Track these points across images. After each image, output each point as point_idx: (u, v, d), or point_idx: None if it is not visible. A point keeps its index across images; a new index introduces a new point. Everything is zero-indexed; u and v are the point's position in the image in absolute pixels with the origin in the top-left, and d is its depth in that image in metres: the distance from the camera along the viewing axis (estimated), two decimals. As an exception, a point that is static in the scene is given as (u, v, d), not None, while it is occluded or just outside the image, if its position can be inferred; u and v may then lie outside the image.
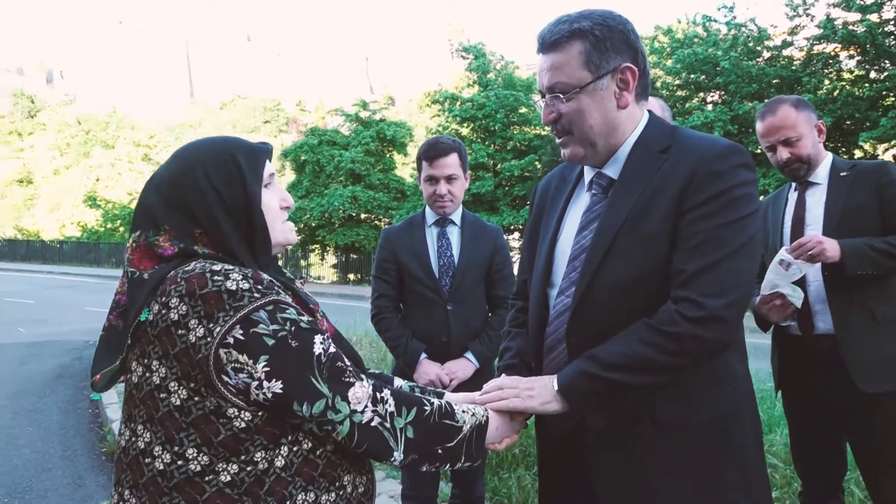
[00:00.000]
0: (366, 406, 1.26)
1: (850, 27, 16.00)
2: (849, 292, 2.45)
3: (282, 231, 1.41)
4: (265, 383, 1.20)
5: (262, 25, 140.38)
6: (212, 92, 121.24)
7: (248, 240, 1.36)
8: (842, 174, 2.61)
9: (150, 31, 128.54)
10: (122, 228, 39.95)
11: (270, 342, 1.20)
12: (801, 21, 17.38)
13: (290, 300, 1.29)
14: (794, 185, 2.74)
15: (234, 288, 1.21)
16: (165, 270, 1.28)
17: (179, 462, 1.23)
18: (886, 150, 16.87)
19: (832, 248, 2.36)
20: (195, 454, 1.23)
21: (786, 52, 18.02)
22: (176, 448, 1.23)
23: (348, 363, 1.30)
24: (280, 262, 1.53)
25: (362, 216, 27.27)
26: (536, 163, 23.12)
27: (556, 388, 1.48)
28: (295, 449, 1.27)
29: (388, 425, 1.27)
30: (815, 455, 2.71)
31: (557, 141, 1.62)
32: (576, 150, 1.59)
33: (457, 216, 3.02)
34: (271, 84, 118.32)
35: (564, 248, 1.64)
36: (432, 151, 2.89)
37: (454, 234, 3.00)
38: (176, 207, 1.32)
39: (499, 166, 24.12)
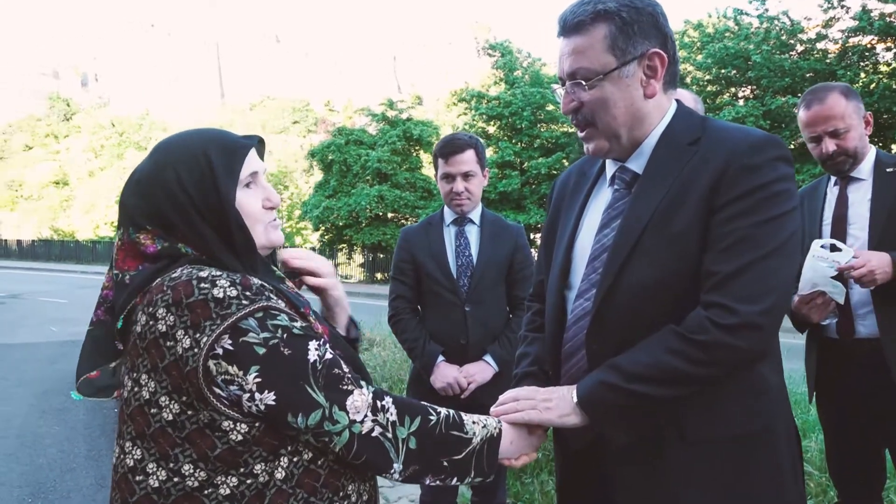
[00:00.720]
0: (365, 415, 1.19)
1: (888, 19, 15.59)
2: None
3: (265, 233, 1.33)
4: (257, 395, 1.14)
5: (291, 26, 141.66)
6: (241, 93, 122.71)
7: (228, 242, 1.28)
8: (888, 170, 2.43)
9: (181, 33, 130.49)
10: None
11: (261, 351, 1.15)
12: (835, 13, 17.01)
13: (282, 305, 1.22)
14: (833, 179, 2.57)
15: (220, 295, 1.15)
16: (147, 274, 1.24)
17: (176, 479, 1.18)
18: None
19: (882, 269, 2.20)
20: (192, 470, 1.18)
21: (820, 45, 17.63)
22: (171, 465, 1.18)
23: (346, 369, 1.23)
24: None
25: (389, 215, 27.34)
26: (564, 160, 22.94)
27: (575, 399, 1.39)
28: (295, 460, 1.21)
29: (389, 435, 1.21)
30: (853, 462, 2.57)
31: (580, 134, 1.51)
32: (600, 143, 1.48)
33: (476, 215, 2.94)
34: (300, 84, 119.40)
35: (584, 248, 1.53)
36: (448, 148, 2.83)
37: (473, 233, 2.93)
38: (152, 207, 1.26)
39: (525, 164, 23.98)
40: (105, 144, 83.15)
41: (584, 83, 1.42)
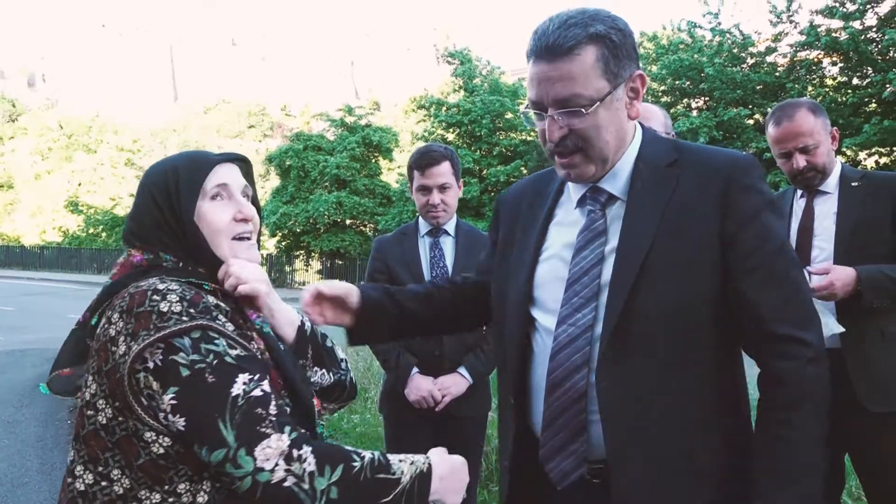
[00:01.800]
0: (276, 464, 1.12)
1: (834, 34, 16.14)
2: (858, 308, 2.32)
3: (230, 247, 1.34)
4: (170, 416, 1.14)
5: (247, 29, 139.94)
6: (196, 96, 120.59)
7: (193, 254, 1.33)
8: (853, 184, 2.49)
9: (133, 34, 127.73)
10: (104, 234, 39.49)
11: (185, 373, 1.14)
12: (784, 28, 17.54)
13: (229, 328, 1.21)
14: (799, 191, 2.63)
15: (164, 309, 1.16)
16: (124, 278, 1.28)
17: (104, 483, 1.18)
18: (868, 156, 17.03)
19: (843, 282, 2.26)
20: (119, 476, 1.18)
21: (769, 59, 18.15)
22: (100, 468, 1.19)
23: (273, 411, 1.16)
24: (263, 269, 1.46)
25: (347, 222, 27.14)
26: (522, 168, 23.11)
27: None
28: (218, 485, 1.19)
29: (305, 486, 1.13)
30: None
31: (561, 160, 1.43)
32: (586, 169, 1.42)
33: (451, 226, 2.94)
34: (256, 88, 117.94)
35: (552, 270, 1.48)
36: (424, 160, 2.82)
37: (448, 244, 2.93)
38: (138, 227, 1.35)
39: (485, 172, 24.09)
40: (52, 147, 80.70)
41: (582, 111, 1.35)
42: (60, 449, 5.67)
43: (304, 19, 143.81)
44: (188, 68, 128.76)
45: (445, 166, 2.81)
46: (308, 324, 1.52)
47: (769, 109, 16.66)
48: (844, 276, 2.27)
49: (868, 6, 15.91)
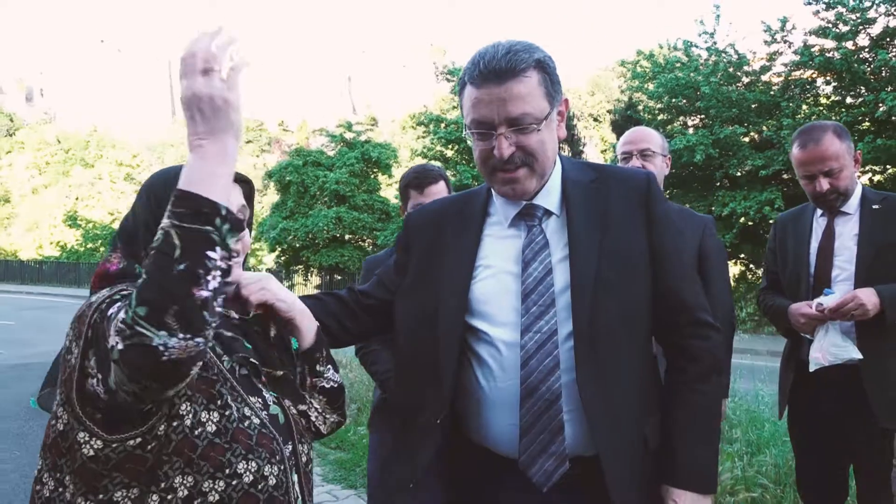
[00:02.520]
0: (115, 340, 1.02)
1: (827, 54, 16.38)
2: (879, 326, 2.36)
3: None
4: (99, 376, 1.12)
5: (245, 45, 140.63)
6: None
7: None
8: (874, 206, 2.51)
9: (131, 50, 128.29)
10: (102, 248, 39.50)
11: (90, 334, 1.14)
12: (778, 47, 17.77)
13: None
14: (819, 210, 2.65)
15: (104, 308, 1.16)
16: (93, 296, 1.25)
17: (60, 489, 1.20)
18: (862, 174, 17.22)
19: (871, 303, 2.32)
20: (69, 481, 1.19)
21: (764, 78, 18.37)
22: (57, 474, 1.21)
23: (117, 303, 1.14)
24: None
25: (346, 237, 27.28)
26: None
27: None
28: (170, 497, 1.16)
29: (121, 326, 1.02)
30: (822, 482, 2.66)
31: (505, 176, 1.52)
32: (529, 184, 1.53)
33: None
34: (253, 104, 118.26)
35: (500, 283, 1.55)
36: (422, 180, 2.82)
37: None
38: (127, 223, 1.37)
39: (483, 188, 24.30)
40: (50, 161, 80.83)
41: (536, 127, 1.46)
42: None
43: (302, 35, 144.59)
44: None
45: (442, 185, 2.83)
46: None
47: (764, 127, 16.83)
48: (868, 295, 2.34)
49: (860, 27, 16.17)
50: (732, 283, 14.70)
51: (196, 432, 1.18)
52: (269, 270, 29.33)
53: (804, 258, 2.62)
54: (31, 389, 8.41)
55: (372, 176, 28.32)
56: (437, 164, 26.53)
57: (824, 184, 2.51)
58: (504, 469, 1.53)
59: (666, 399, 1.58)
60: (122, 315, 1.01)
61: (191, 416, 1.19)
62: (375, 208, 27.17)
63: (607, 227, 1.53)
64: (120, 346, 0.99)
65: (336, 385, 1.54)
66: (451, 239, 1.66)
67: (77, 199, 52.08)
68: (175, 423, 1.17)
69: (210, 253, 1.01)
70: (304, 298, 1.62)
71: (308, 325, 1.50)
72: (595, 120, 56.93)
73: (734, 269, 19.71)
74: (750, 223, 17.85)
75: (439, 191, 2.80)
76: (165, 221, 1.02)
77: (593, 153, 36.88)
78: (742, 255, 19.22)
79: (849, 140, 2.55)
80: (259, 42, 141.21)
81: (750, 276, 19.95)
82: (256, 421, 1.28)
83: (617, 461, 1.45)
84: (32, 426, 6.76)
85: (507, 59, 1.45)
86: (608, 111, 53.04)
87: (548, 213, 1.59)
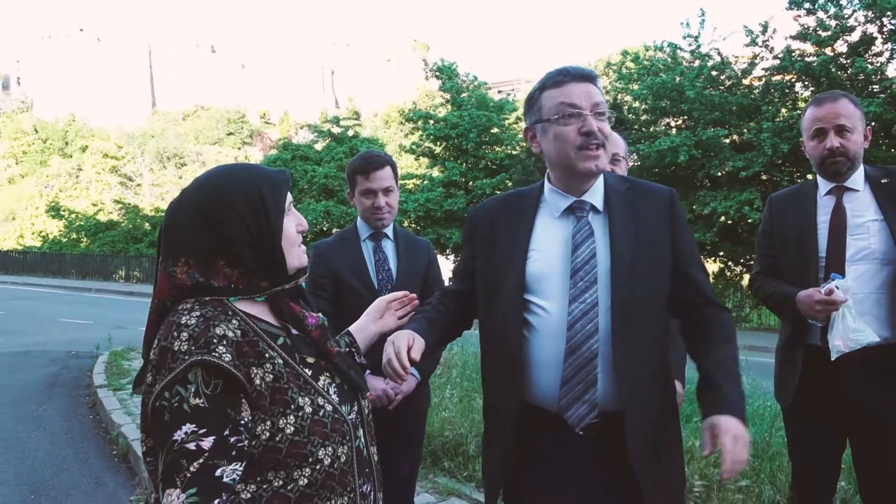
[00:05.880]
0: None
1: (807, 59, 16.90)
2: None
3: (297, 255, 1.49)
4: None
5: (227, 37, 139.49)
6: (174, 102, 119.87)
7: (267, 267, 1.43)
8: (883, 181, 2.51)
9: (112, 39, 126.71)
10: (85, 239, 39.31)
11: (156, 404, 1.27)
12: (759, 52, 18.26)
13: (225, 360, 1.28)
14: (822, 188, 2.60)
15: (176, 348, 1.27)
16: (173, 303, 1.38)
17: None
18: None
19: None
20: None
21: (745, 81, 18.86)
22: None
23: (194, 469, 1.22)
24: None
25: (334, 230, 27.48)
26: (508, 181, 23.67)
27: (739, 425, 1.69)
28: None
29: None
30: (819, 475, 2.63)
31: (587, 153, 1.85)
32: (604, 161, 1.88)
33: (389, 230, 3.01)
34: (235, 96, 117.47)
35: (550, 264, 1.87)
36: (368, 165, 2.89)
37: (389, 247, 2.99)
38: (202, 237, 1.38)
39: (471, 184, 24.62)
40: (27, 150, 79.73)
41: (610, 114, 1.89)
42: (89, 440, 5.98)
43: (285, 28, 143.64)
44: (167, 74, 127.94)
45: (388, 170, 2.91)
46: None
47: (745, 130, 17.20)
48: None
49: (840, 34, 16.73)
50: (712, 280, 15.20)
51: (277, 439, 1.33)
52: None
53: (812, 239, 2.54)
54: (36, 375, 8.62)
55: (359, 170, 28.52)
56: (425, 160, 26.90)
57: (835, 140, 2.48)
58: (543, 423, 1.84)
59: (700, 353, 1.92)
60: None
61: (268, 429, 1.32)
62: (363, 202, 27.39)
63: (639, 225, 1.87)
64: None
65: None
66: (508, 228, 1.98)
67: (60, 190, 51.54)
68: (254, 443, 1.32)
69: None
70: (419, 326, 1.94)
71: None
72: (578, 118, 57.49)
73: (713, 267, 20.26)
74: (729, 222, 18.37)
75: (386, 175, 2.89)
76: None
77: (577, 151, 37.10)
78: (721, 253, 19.78)
79: (862, 112, 2.55)
80: (241, 32, 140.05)
81: (728, 274, 20.53)
82: (329, 408, 1.43)
83: (637, 412, 1.77)
84: (47, 409, 7.00)
85: (583, 68, 1.91)
86: (591, 110, 53.61)
87: (594, 208, 1.92)
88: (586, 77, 1.87)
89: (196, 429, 1.22)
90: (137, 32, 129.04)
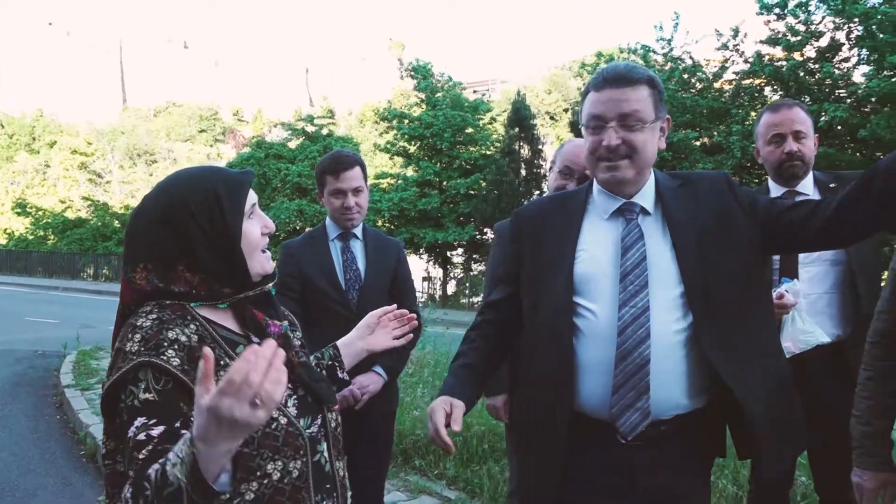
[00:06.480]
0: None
1: (776, 64, 17.22)
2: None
3: (259, 261, 1.43)
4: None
5: (200, 33, 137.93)
6: (145, 98, 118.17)
7: (229, 272, 1.39)
8: (831, 185, 2.63)
9: (82, 33, 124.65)
10: (53, 237, 38.59)
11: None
12: (730, 56, 18.57)
13: (173, 364, 1.26)
14: (774, 194, 2.69)
15: (127, 349, 1.28)
16: (136, 307, 1.38)
17: None
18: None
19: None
20: None
21: (716, 85, 19.16)
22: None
23: (142, 457, 1.19)
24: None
25: (308, 229, 27.33)
26: (482, 181, 23.74)
27: None
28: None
29: None
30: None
31: (605, 164, 1.80)
32: (629, 172, 1.79)
33: (358, 230, 2.99)
34: (208, 92, 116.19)
35: (597, 265, 1.81)
36: (338, 165, 2.88)
37: (358, 247, 2.98)
38: (160, 242, 1.36)
39: (445, 184, 24.65)
40: (-7, 146, 78.07)
41: (640, 125, 1.76)
42: (56, 440, 5.90)
43: (260, 24, 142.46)
44: (138, 70, 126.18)
45: (357, 170, 2.89)
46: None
47: (715, 133, 17.46)
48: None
49: (809, 39, 17.06)
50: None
51: None
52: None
53: None
54: (1, 375, 8.45)
55: (333, 169, 28.41)
56: (399, 159, 26.88)
57: (794, 145, 2.60)
58: (591, 430, 1.78)
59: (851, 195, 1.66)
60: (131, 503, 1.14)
61: None
62: (336, 201, 27.29)
63: (700, 217, 1.79)
64: None
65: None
66: (555, 230, 1.92)
67: (27, 186, 50.45)
68: None
69: None
70: (456, 383, 1.91)
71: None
72: (552, 118, 57.72)
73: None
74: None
75: (356, 175, 2.88)
76: (182, 477, 1.09)
77: (550, 152, 37.43)
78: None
79: (812, 119, 2.71)
80: (215, 28, 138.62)
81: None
82: (283, 421, 1.38)
83: (745, 389, 1.70)
84: (12, 409, 6.89)
85: (625, 69, 1.80)
86: (565, 110, 53.90)
87: (644, 210, 1.84)
88: (622, 81, 1.78)
89: (146, 420, 1.21)
90: (108, 27, 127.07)
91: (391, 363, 2.91)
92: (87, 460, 5.37)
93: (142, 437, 1.19)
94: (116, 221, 37.03)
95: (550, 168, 2.86)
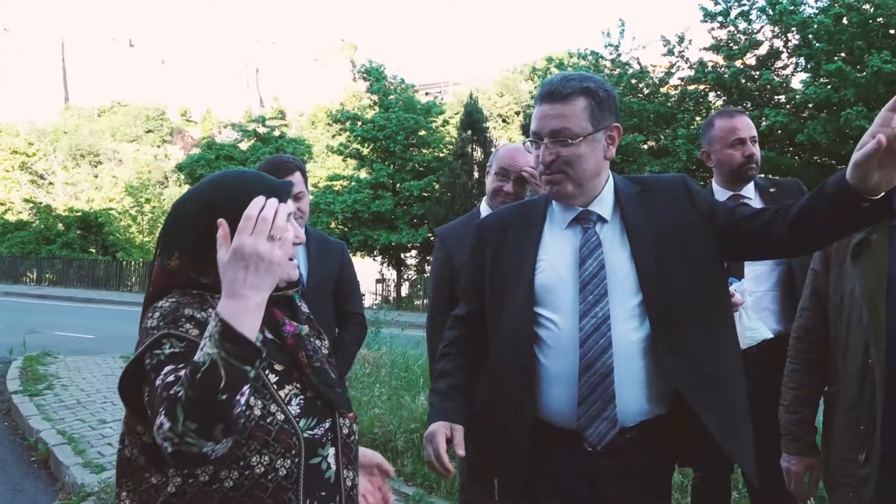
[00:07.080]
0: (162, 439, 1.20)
1: (719, 70, 17.81)
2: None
3: (286, 269, 1.43)
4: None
5: (146, 31, 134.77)
6: (89, 98, 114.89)
7: None
8: (771, 190, 2.74)
9: (21, 30, 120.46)
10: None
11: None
12: (676, 62, 19.12)
13: (191, 335, 1.30)
14: (719, 197, 2.71)
15: (148, 325, 1.34)
16: (160, 293, 1.42)
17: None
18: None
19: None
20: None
21: (662, 90, 19.71)
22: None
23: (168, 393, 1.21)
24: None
25: (259, 231, 27.08)
26: (435, 183, 23.86)
27: None
28: (191, 481, 1.33)
29: (175, 440, 1.15)
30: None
31: (545, 178, 1.81)
32: (567, 186, 1.79)
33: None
34: (154, 92, 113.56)
35: (557, 276, 1.80)
36: (278, 171, 2.75)
37: (300, 251, 2.91)
38: (196, 234, 1.39)
39: (399, 186, 24.71)
40: (-73, 145, 74.85)
41: (570, 141, 1.74)
42: (4, 447, 5.74)
43: (207, 23, 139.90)
44: (81, 68, 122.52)
45: (298, 175, 2.83)
46: None
47: (662, 136, 17.94)
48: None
49: (749, 48, 17.70)
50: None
51: None
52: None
53: None
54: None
55: (285, 171, 28.18)
56: (352, 161, 26.81)
57: (753, 148, 2.71)
58: (556, 439, 1.79)
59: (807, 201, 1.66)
60: (167, 424, 1.14)
61: None
62: (288, 203, 27.08)
63: (659, 223, 1.79)
64: (170, 450, 1.15)
65: None
66: (515, 239, 1.91)
67: (-36, 187, 48.52)
68: None
69: (245, 387, 1.18)
70: (453, 406, 1.91)
71: None
72: (504, 121, 58.21)
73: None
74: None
75: (297, 181, 2.80)
76: (212, 349, 1.14)
77: (503, 154, 37.64)
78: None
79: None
80: (161, 27, 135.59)
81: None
82: (280, 417, 1.37)
83: (699, 394, 1.71)
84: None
85: (559, 83, 1.78)
86: (516, 112, 54.39)
87: (601, 218, 1.84)
88: (555, 97, 1.78)
89: (174, 366, 1.24)
90: (49, 23, 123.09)
91: (337, 364, 2.91)
92: (38, 466, 5.27)
93: (171, 378, 1.20)
94: (60, 224, 35.93)
95: (487, 172, 2.89)
